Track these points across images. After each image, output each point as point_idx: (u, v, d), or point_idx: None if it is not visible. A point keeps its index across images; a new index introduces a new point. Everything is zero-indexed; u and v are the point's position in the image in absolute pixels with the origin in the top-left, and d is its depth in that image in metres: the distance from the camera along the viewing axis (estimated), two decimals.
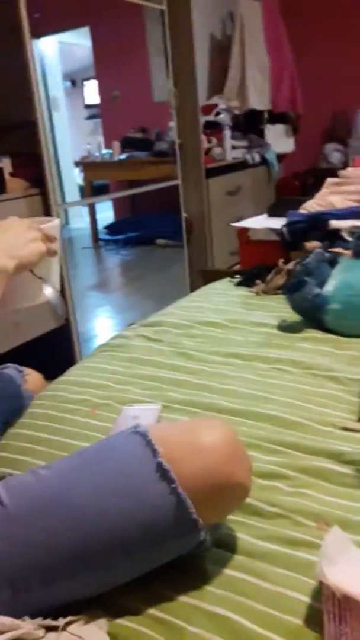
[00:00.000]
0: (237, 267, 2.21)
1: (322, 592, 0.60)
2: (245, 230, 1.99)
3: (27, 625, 0.60)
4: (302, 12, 3.94)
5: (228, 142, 3.23)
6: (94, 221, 3.53)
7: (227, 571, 0.68)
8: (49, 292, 0.84)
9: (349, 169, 2.02)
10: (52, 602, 0.62)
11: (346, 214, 1.74)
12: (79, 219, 3.61)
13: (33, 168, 2.03)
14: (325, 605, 0.59)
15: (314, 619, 0.61)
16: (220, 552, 0.71)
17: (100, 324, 2.92)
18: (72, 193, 3.17)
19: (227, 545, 0.72)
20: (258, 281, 1.75)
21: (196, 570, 0.68)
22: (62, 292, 2.21)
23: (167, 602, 0.64)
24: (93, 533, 0.59)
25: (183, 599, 0.64)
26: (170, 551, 0.64)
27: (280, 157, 3.84)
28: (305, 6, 3.93)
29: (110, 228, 3.66)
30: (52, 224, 0.85)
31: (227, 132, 3.22)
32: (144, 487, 0.60)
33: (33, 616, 0.61)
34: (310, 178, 3.87)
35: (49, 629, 0.61)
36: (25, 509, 0.62)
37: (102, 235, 3.63)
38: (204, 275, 2.11)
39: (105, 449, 0.66)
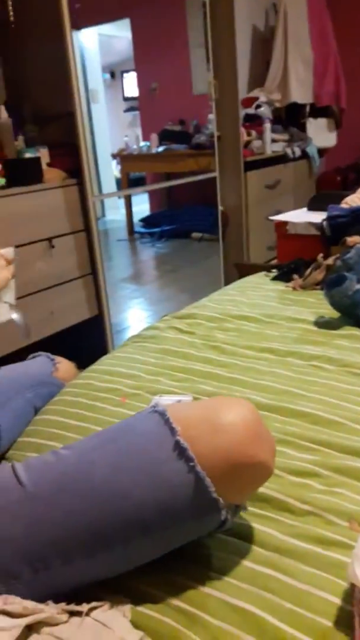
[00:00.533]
0: (274, 261, 2.17)
1: (353, 595, 0.58)
2: (283, 224, 1.95)
3: (51, 610, 0.60)
4: (349, 3, 3.84)
5: (268, 135, 3.17)
6: (129, 213, 3.54)
7: (254, 566, 0.66)
8: (15, 315, 0.95)
9: None
10: (72, 583, 0.61)
11: None
12: (115, 211, 3.63)
13: (70, 159, 2.04)
14: (356, 608, 0.57)
15: (344, 621, 0.58)
16: (247, 546, 0.69)
17: (134, 316, 2.93)
18: (109, 185, 3.19)
19: (255, 540, 0.70)
20: (295, 276, 1.71)
21: (221, 563, 0.67)
22: (96, 283, 2.22)
23: (191, 593, 0.63)
24: (110, 511, 0.59)
25: (207, 590, 0.63)
26: (190, 531, 0.63)
27: (322, 152, 3.75)
28: None
29: (145, 221, 3.67)
30: (9, 249, 0.95)
31: (268, 125, 3.17)
32: (161, 466, 0.59)
33: (57, 601, 0.61)
34: (352, 173, 3.78)
35: (73, 613, 0.61)
36: (45, 487, 0.62)
37: (138, 227, 3.65)
38: (239, 269, 2.08)
39: (124, 428, 0.66)
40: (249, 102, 3.36)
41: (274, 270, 1.84)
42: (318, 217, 1.82)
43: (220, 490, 0.59)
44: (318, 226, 1.77)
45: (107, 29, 3.00)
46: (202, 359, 1.24)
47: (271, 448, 0.63)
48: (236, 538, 0.71)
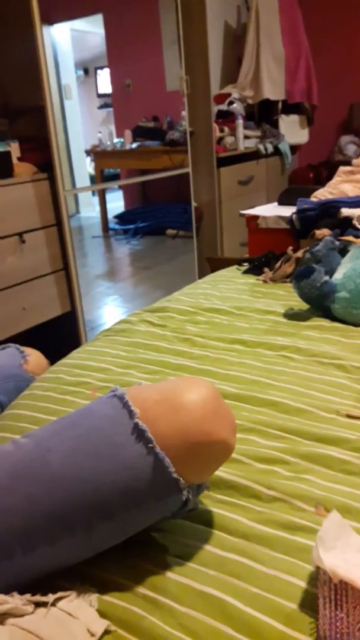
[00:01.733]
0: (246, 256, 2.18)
1: (318, 577, 0.59)
2: (254, 218, 1.96)
3: (15, 601, 0.59)
4: (320, 1, 3.88)
5: (240, 131, 3.19)
6: (104, 210, 3.52)
7: (220, 552, 0.66)
8: None
9: None
10: (35, 572, 0.61)
11: (358, 202, 1.71)
12: (90, 208, 3.61)
13: (41, 153, 2.02)
14: (321, 590, 0.58)
15: (309, 603, 0.59)
16: (213, 533, 0.70)
17: (108, 313, 2.91)
18: (82, 181, 3.16)
19: (222, 527, 0.71)
20: (266, 269, 1.72)
21: (187, 550, 0.67)
22: (69, 278, 2.21)
23: (158, 581, 0.63)
24: (71, 497, 0.59)
25: (174, 578, 0.63)
26: (153, 512, 0.63)
27: (294, 148, 3.79)
28: None
29: (120, 217, 3.65)
30: None
31: (240, 122, 3.18)
32: (120, 449, 0.59)
33: (22, 592, 0.60)
34: (325, 170, 3.82)
35: (38, 604, 0.61)
36: (3, 475, 0.61)
37: (112, 224, 3.63)
38: (211, 263, 2.09)
39: (83, 414, 0.65)
40: (221, 98, 3.37)
41: (245, 264, 1.85)
42: (288, 211, 1.83)
43: (181, 470, 0.59)
44: (288, 220, 1.78)
45: (80, 24, 2.97)
46: (174, 352, 1.24)
47: (231, 426, 0.63)
48: (203, 525, 0.71)
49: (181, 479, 0.60)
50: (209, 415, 0.60)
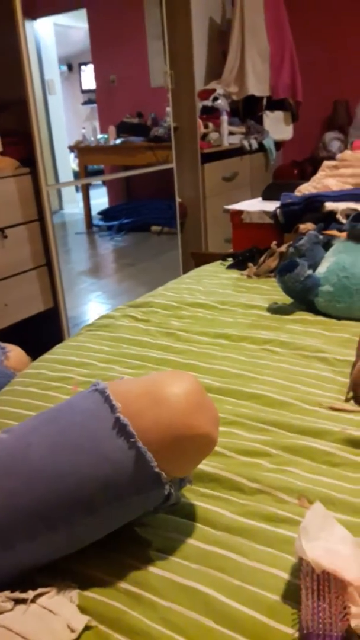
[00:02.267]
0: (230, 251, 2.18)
1: (301, 569, 0.59)
2: (238, 213, 1.96)
3: None
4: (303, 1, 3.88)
5: (225, 127, 3.18)
6: (87, 206, 3.49)
7: (204, 546, 0.66)
8: None
9: (347, 152, 1.99)
10: (16, 568, 0.60)
11: (341, 196, 1.71)
12: (74, 205, 3.57)
13: (24, 147, 2.00)
14: (303, 581, 0.57)
15: (292, 595, 0.59)
16: (196, 526, 0.69)
17: (92, 310, 2.89)
18: (66, 177, 3.13)
19: (205, 520, 0.70)
20: (250, 264, 1.72)
21: (170, 544, 0.66)
22: (52, 274, 2.18)
23: (138, 575, 0.62)
24: (52, 492, 0.58)
25: (156, 572, 0.62)
26: (135, 507, 0.62)
27: (279, 145, 3.79)
28: None
29: (104, 214, 3.62)
30: None
31: (225, 118, 3.18)
32: (101, 444, 0.58)
33: (1, 589, 0.59)
34: (309, 166, 3.83)
35: (18, 601, 0.60)
36: None
37: (96, 221, 3.60)
38: (195, 258, 2.08)
39: (64, 409, 0.64)
40: (206, 94, 3.36)
41: (229, 259, 1.84)
42: (272, 206, 1.83)
43: (164, 464, 0.59)
44: (272, 214, 1.78)
45: (63, 19, 2.94)
46: (157, 346, 1.23)
47: (214, 419, 0.63)
48: (186, 519, 0.71)
49: (163, 473, 0.59)
50: (191, 408, 0.59)
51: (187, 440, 0.59)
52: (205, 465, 0.79)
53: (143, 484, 0.59)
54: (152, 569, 0.63)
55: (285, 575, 0.61)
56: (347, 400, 0.98)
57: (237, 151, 3.34)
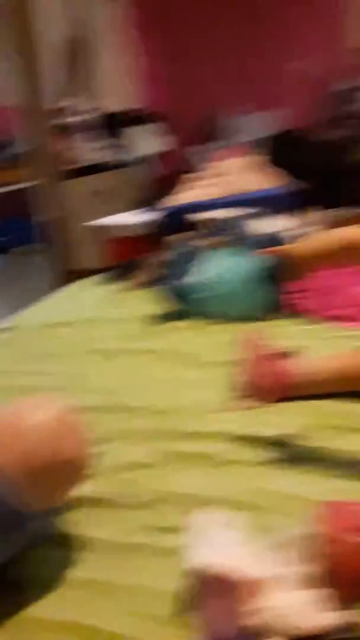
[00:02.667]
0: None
1: (190, 575, 0.58)
2: (108, 228, 1.94)
3: None
4: (177, 10, 3.92)
5: (83, 144, 3.17)
6: None
7: (86, 574, 0.63)
8: None
9: (211, 163, 2.06)
10: None
11: (208, 205, 1.76)
12: None
13: None
14: (191, 588, 0.56)
15: (184, 604, 0.57)
16: (77, 555, 0.65)
17: None
18: None
19: (86, 545, 0.67)
20: (125, 277, 1.71)
21: (50, 580, 0.62)
22: None
23: (16, 621, 0.57)
24: None
25: (35, 614, 0.57)
26: (4, 546, 0.58)
27: (148, 158, 3.84)
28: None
29: None
30: None
31: (82, 134, 3.17)
32: None
33: None
34: (179, 179, 3.91)
35: None
36: None
37: None
38: (68, 276, 2.03)
39: None
40: (61, 111, 3.32)
41: (103, 273, 1.82)
42: (141, 218, 1.84)
43: (33, 495, 0.56)
44: (143, 227, 1.79)
45: None
46: (26, 372, 1.17)
47: (80, 443, 0.61)
48: (65, 549, 0.67)
49: (24, 509, 0.56)
50: (52, 436, 0.58)
51: (51, 469, 0.57)
52: (86, 488, 0.75)
53: (5, 523, 0.56)
54: (30, 611, 0.58)
55: (175, 585, 0.60)
56: (236, 399, 0.97)
57: (102, 166, 3.34)
